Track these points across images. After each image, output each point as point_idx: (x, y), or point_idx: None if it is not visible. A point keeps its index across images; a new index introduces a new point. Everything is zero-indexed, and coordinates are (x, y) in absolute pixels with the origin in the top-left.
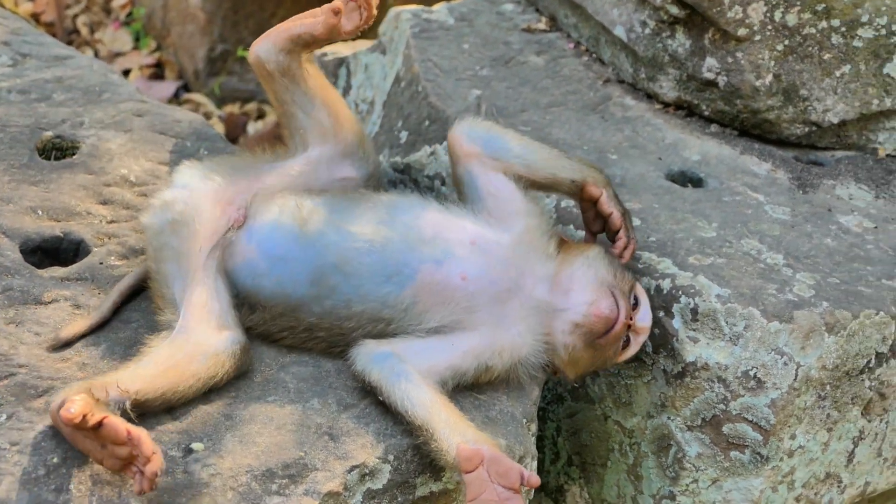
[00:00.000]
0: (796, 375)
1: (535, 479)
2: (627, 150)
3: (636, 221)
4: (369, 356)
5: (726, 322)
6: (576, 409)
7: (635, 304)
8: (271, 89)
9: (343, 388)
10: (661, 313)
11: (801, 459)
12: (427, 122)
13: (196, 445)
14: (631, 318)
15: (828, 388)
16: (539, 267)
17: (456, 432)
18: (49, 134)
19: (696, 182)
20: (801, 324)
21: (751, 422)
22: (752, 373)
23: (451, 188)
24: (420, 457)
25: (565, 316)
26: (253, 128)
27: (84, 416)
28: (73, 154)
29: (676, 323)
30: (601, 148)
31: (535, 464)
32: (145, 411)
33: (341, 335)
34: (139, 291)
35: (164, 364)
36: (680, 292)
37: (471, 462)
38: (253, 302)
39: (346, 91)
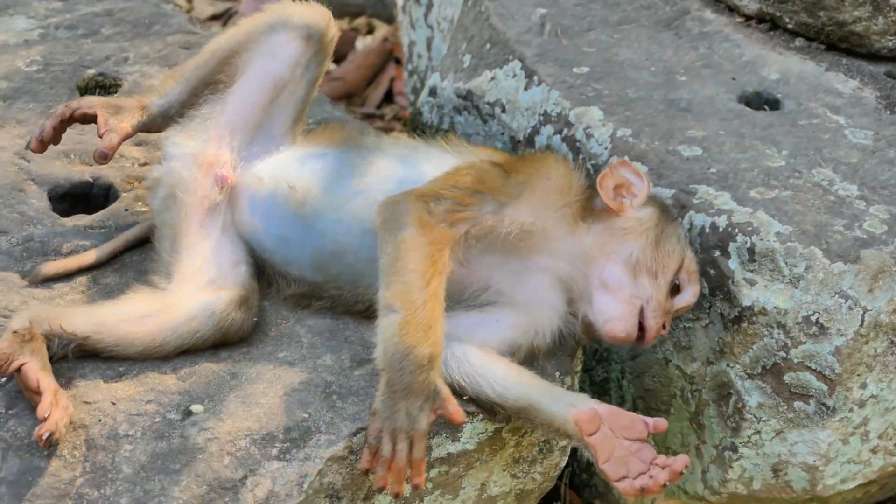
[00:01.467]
0: (863, 321)
1: (663, 424)
2: (699, 70)
3: (697, 150)
4: None
5: (786, 263)
6: (638, 351)
7: (677, 287)
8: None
9: (359, 341)
10: (717, 253)
11: (874, 409)
12: (488, 45)
13: (196, 408)
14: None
15: None
16: (559, 242)
17: (558, 399)
18: (91, 72)
19: (773, 104)
20: (868, 264)
21: (814, 370)
22: (813, 318)
23: (511, 115)
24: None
25: (589, 311)
26: (362, 43)
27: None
28: (115, 92)
29: (733, 263)
30: (670, 69)
31: None
32: (98, 354)
33: (368, 297)
34: (145, 241)
35: (130, 314)
36: (736, 230)
37: (592, 423)
38: (277, 272)
39: (427, 9)
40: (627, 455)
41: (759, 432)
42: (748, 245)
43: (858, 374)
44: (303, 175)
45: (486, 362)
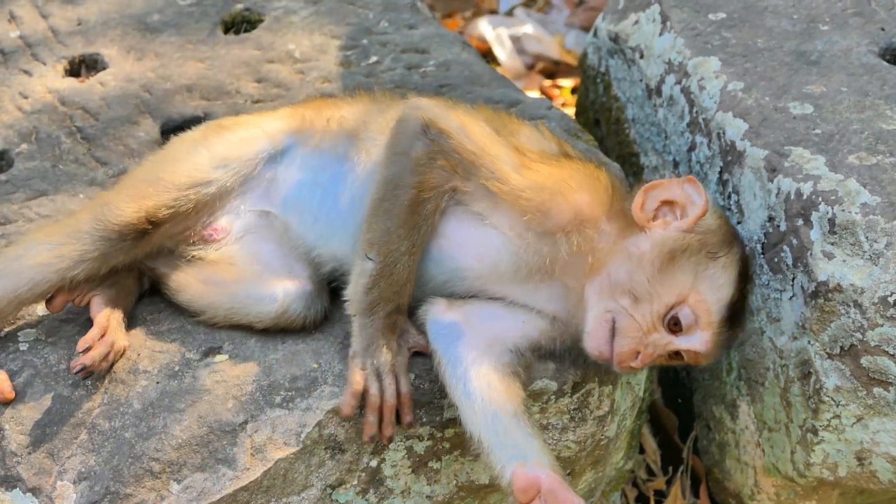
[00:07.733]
0: None
1: None
2: (846, 19)
3: (808, 108)
4: (436, 325)
5: (866, 237)
6: None
7: (676, 323)
8: None
9: None
10: (800, 222)
11: None
12: None
13: (219, 357)
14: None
15: None
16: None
17: (510, 447)
18: (240, 7)
19: None
20: None
21: (892, 356)
22: (891, 299)
23: (647, 62)
24: None
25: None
26: None
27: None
28: (257, 27)
29: (815, 234)
30: (814, 16)
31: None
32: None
33: None
34: None
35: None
36: (820, 199)
37: (526, 494)
38: None
39: None
40: None
41: (838, 416)
42: (829, 216)
43: None
44: (277, 196)
45: (473, 386)
